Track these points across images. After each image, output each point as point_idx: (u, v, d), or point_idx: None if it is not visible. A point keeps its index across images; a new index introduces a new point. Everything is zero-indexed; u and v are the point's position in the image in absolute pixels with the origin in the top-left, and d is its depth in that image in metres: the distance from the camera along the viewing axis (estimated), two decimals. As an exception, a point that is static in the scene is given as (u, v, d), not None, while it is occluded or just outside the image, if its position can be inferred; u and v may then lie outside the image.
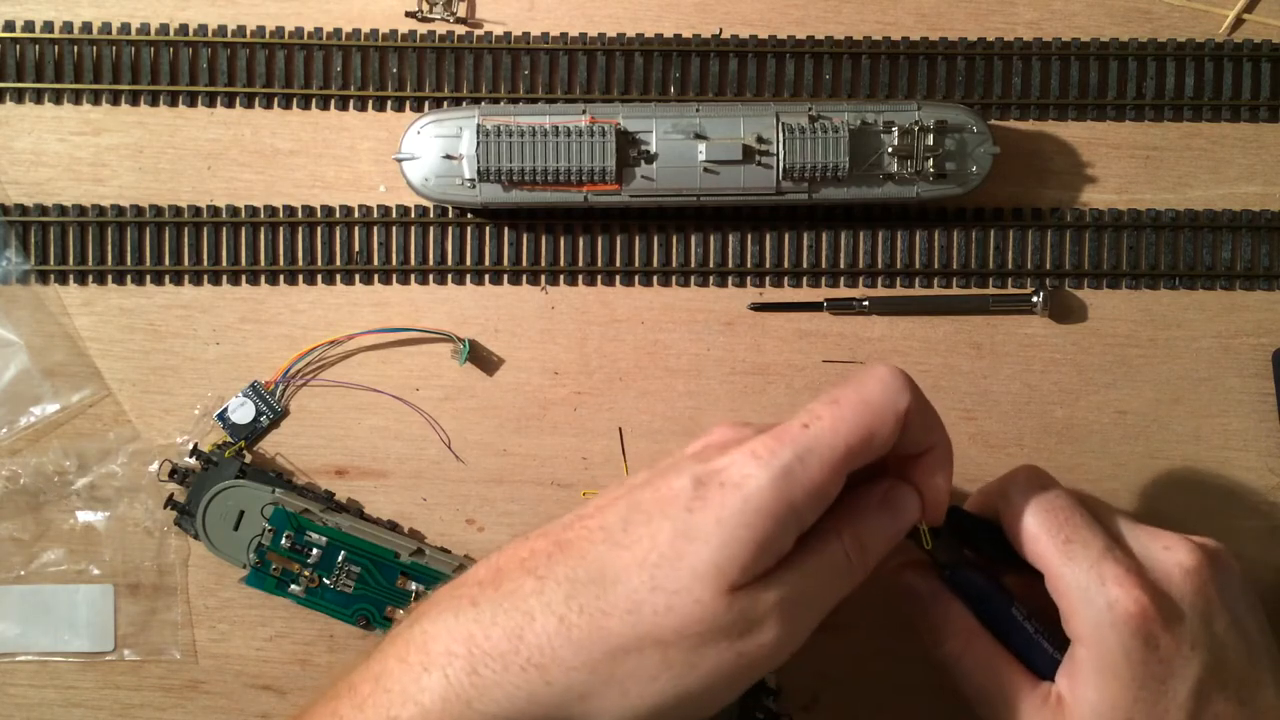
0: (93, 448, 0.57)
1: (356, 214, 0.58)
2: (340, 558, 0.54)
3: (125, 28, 0.58)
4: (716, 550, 0.39)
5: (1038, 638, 0.47)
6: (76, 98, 0.58)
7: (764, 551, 0.40)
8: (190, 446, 0.56)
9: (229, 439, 0.57)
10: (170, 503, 0.55)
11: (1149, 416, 0.58)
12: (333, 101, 0.58)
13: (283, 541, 0.54)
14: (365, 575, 0.54)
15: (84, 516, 0.57)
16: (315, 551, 0.54)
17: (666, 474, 0.42)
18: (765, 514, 0.39)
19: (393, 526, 0.57)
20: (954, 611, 0.48)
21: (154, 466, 0.57)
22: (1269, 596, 0.57)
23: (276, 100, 0.58)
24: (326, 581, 0.54)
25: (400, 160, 0.56)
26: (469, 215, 0.58)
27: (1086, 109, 0.59)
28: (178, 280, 0.58)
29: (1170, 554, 0.45)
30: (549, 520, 0.43)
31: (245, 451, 0.57)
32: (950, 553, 0.48)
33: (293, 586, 0.54)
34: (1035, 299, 0.57)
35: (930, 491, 0.45)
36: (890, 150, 0.55)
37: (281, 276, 0.58)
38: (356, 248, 0.58)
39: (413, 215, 0.58)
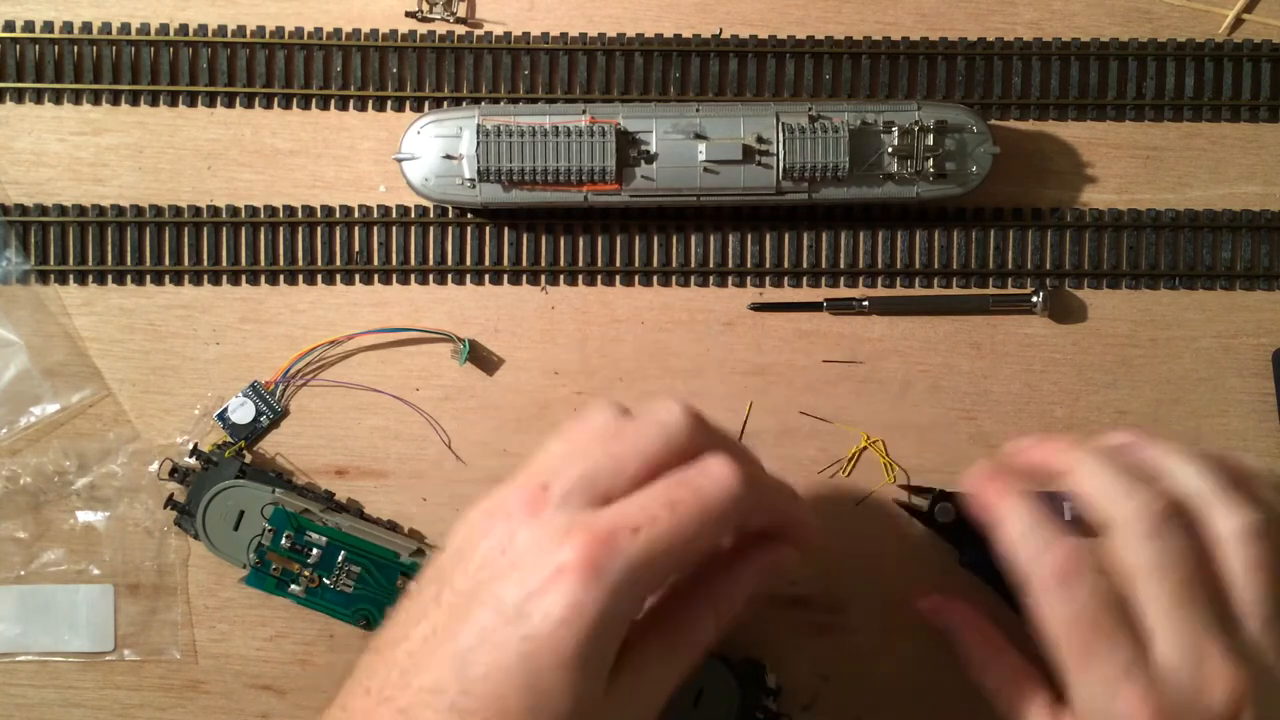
0: (93, 448, 0.57)
1: (356, 214, 0.58)
2: (340, 558, 0.54)
3: (125, 28, 0.58)
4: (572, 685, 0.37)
5: None
6: (76, 98, 0.58)
7: (600, 665, 0.38)
8: (190, 446, 0.56)
9: (229, 439, 0.57)
10: (170, 502, 0.55)
11: (1149, 416, 0.58)
12: (333, 101, 0.58)
13: (283, 541, 0.54)
14: (365, 575, 0.54)
15: (84, 516, 0.57)
16: (315, 551, 0.54)
17: (481, 603, 0.38)
18: (599, 641, 0.37)
19: (392, 526, 0.57)
20: (977, 633, 0.50)
21: (154, 466, 0.57)
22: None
23: (276, 100, 0.58)
24: (326, 581, 0.54)
25: (400, 160, 0.56)
26: (469, 215, 0.58)
27: (1086, 109, 0.59)
28: (178, 280, 0.58)
29: (1205, 680, 0.41)
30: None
31: (245, 451, 0.57)
32: (966, 541, 0.51)
33: (293, 586, 0.54)
34: (1035, 299, 0.57)
35: (778, 555, 0.44)
36: (890, 150, 0.55)
37: (281, 276, 0.58)
38: (356, 248, 0.58)
39: (413, 215, 0.58)
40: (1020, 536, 0.43)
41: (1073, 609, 0.42)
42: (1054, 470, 0.45)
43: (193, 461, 0.56)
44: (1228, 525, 0.42)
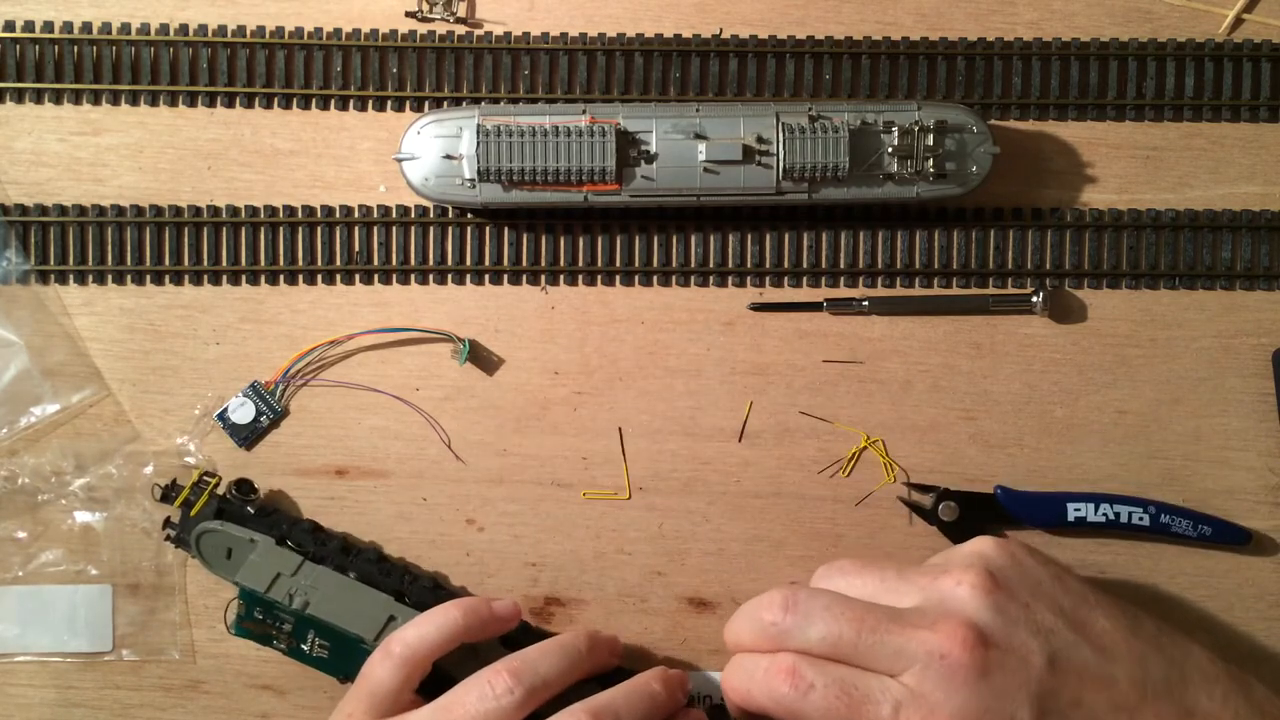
0: (90, 449, 0.57)
1: (356, 214, 0.58)
2: (310, 633, 0.53)
3: (125, 28, 0.58)
4: None
5: None
6: (76, 98, 0.58)
7: None
8: (171, 481, 0.55)
9: (205, 473, 0.55)
10: (167, 523, 0.55)
11: (1149, 416, 0.58)
12: (333, 101, 0.58)
13: (255, 614, 0.53)
14: (334, 649, 0.53)
15: (82, 517, 0.57)
16: (286, 626, 0.53)
17: None
18: None
19: (380, 559, 0.55)
20: None
21: (149, 469, 0.56)
22: (1270, 598, 0.57)
23: (276, 100, 0.58)
24: (304, 647, 0.53)
25: (400, 160, 0.56)
26: (469, 215, 0.58)
27: (1086, 109, 0.59)
28: (178, 280, 0.58)
29: (934, 637, 0.45)
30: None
31: (220, 484, 0.55)
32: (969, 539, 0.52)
33: (275, 643, 0.54)
34: (1035, 299, 0.57)
35: None
36: (890, 150, 0.55)
37: (281, 276, 0.58)
38: (356, 248, 0.58)
39: (413, 215, 0.58)
40: (742, 684, 0.48)
41: (822, 690, 0.45)
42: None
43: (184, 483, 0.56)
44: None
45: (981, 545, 0.49)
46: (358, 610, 0.53)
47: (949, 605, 0.46)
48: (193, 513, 0.55)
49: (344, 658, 0.53)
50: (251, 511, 0.55)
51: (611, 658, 0.53)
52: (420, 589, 0.54)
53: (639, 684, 0.50)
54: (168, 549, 0.56)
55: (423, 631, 0.49)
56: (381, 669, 0.49)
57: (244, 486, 0.56)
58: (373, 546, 0.57)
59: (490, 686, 0.47)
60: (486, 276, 0.58)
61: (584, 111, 0.55)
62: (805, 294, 0.58)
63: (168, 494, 0.55)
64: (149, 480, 0.56)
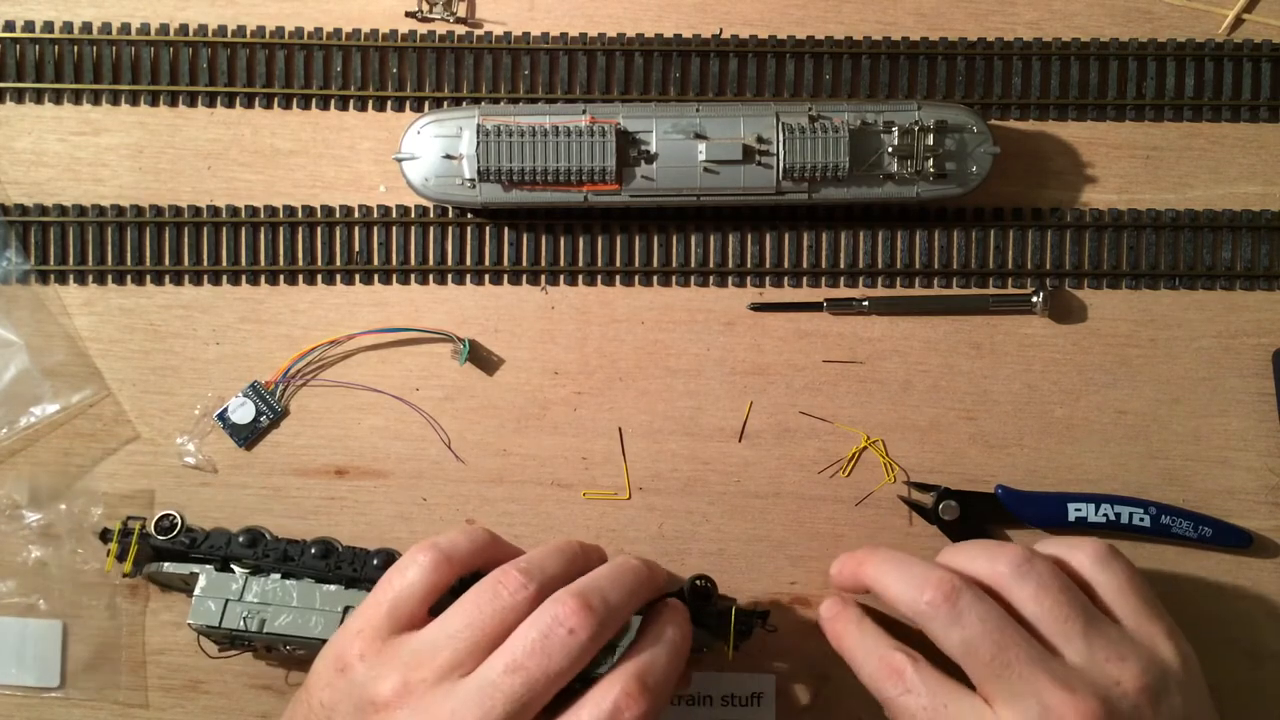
0: (44, 485, 0.56)
1: (356, 214, 0.58)
2: (281, 644, 0.52)
3: (125, 28, 0.58)
4: None
5: None
6: (76, 98, 0.58)
7: None
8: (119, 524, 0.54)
9: (131, 517, 0.53)
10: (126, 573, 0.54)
11: (1149, 416, 0.58)
12: (333, 101, 0.58)
13: (226, 640, 0.53)
14: (310, 651, 0.51)
15: (36, 552, 0.56)
16: (256, 644, 0.53)
17: None
18: None
19: (325, 554, 0.53)
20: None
21: (100, 509, 0.55)
22: (1270, 599, 0.57)
23: (276, 100, 0.58)
24: (283, 650, 0.53)
25: (400, 160, 0.56)
26: (469, 215, 0.58)
27: (1086, 109, 0.59)
28: (178, 280, 0.58)
29: (1066, 700, 0.45)
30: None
31: (149, 523, 0.54)
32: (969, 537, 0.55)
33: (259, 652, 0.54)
34: (1035, 299, 0.57)
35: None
36: (890, 150, 0.55)
37: (281, 276, 0.58)
38: (356, 248, 0.58)
39: (413, 215, 0.58)
40: (900, 587, 0.48)
41: (974, 628, 0.46)
42: (862, 584, 0.51)
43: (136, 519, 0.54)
44: (1081, 556, 0.49)
45: (1168, 651, 0.47)
46: (313, 612, 0.52)
47: (1098, 685, 0.45)
48: (126, 567, 0.53)
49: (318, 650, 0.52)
50: (186, 543, 0.53)
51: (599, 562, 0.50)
52: (373, 569, 0.52)
53: (622, 562, 0.48)
54: (121, 590, 0.56)
55: (453, 538, 0.47)
56: (412, 572, 0.46)
57: (162, 524, 0.54)
58: (321, 540, 0.54)
59: (502, 586, 0.45)
60: (486, 276, 0.58)
61: (584, 111, 0.55)
62: (805, 294, 0.58)
63: (105, 536, 0.54)
64: (98, 521, 0.55)
